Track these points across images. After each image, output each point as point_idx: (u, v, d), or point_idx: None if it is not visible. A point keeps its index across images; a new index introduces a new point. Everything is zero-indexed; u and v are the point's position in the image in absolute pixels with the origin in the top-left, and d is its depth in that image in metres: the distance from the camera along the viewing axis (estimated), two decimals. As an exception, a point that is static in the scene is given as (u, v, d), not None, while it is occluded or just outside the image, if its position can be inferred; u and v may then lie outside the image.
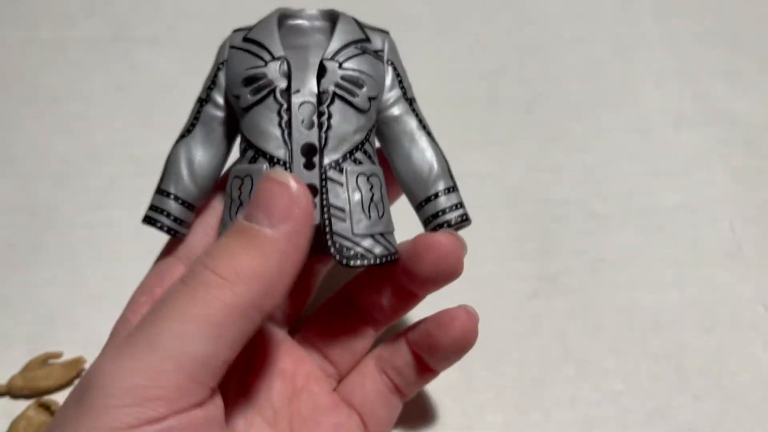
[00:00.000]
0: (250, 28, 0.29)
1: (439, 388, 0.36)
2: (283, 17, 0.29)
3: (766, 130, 0.45)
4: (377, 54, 0.28)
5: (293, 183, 0.23)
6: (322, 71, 0.26)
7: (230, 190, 0.27)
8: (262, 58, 0.27)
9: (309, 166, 0.26)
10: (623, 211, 0.42)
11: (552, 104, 0.47)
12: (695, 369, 0.36)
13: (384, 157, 0.30)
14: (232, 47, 0.28)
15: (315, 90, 0.26)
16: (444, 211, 0.28)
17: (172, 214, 0.27)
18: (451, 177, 0.29)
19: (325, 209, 0.26)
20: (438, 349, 0.29)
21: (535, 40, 0.51)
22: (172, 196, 0.27)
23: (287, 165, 0.26)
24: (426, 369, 0.30)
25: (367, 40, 0.28)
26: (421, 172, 0.28)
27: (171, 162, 0.28)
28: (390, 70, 0.29)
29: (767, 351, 0.37)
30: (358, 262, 0.26)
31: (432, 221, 0.28)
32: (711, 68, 0.49)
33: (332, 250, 0.26)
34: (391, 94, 0.28)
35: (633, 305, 0.39)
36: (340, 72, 0.27)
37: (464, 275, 0.40)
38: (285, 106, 0.26)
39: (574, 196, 0.43)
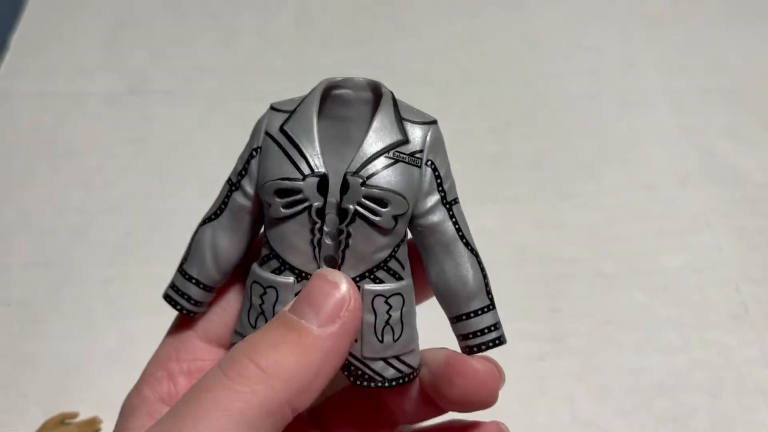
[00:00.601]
0: (289, 112, 0.26)
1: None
2: (329, 88, 0.27)
3: (771, 189, 0.46)
4: (414, 157, 0.26)
5: (345, 284, 0.23)
6: (344, 186, 0.25)
7: (250, 295, 0.27)
8: (299, 169, 0.25)
9: None
10: (629, 272, 0.43)
11: (559, 161, 0.48)
12: (702, 433, 0.37)
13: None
14: (268, 134, 0.26)
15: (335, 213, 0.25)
16: (478, 333, 0.27)
17: (192, 298, 0.28)
18: (488, 294, 0.27)
19: None
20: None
21: (542, 96, 0.52)
22: (194, 281, 0.28)
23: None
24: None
25: (404, 141, 0.26)
26: (455, 288, 0.27)
27: (196, 245, 0.28)
28: (428, 173, 0.27)
29: (773, 415, 0.37)
30: (365, 384, 0.25)
31: (465, 340, 0.27)
32: (716, 126, 0.50)
33: (341, 368, 0.25)
34: (428, 200, 0.26)
35: (639, 368, 0.39)
36: (364, 190, 0.25)
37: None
38: (319, 224, 0.25)
39: (582, 255, 0.44)
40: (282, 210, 0.25)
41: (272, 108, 0.27)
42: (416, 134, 0.27)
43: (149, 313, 0.40)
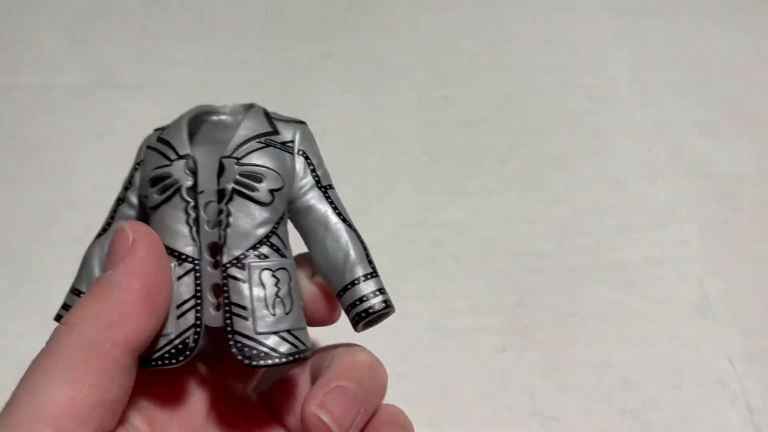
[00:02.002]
0: (164, 128, 0.29)
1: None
2: (206, 113, 0.29)
3: (738, 182, 0.46)
4: (285, 145, 0.28)
5: (128, 228, 0.25)
6: (221, 170, 0.27)
7: None
8: (167, 157, 0.27)
9: (216, 265, 0.26)
10: (596, 265, 0.43)
11: (529, 155, 0.48)
12: (662, 426, 0.37)
13: None
14: (148, 147, 0.29)
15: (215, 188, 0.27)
16: (366, 297, 0.27)
17: None
18: (370, 263, 0.28)
19: (227, 309, 0.26)
20: None
21: (511, 89, 0.52)
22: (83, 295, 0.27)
23: (196, 263, 0.26)
24: None
25: (275, 132, 0.28)
26: (336, 260, 0.28)
27: (85, 261, 0.29)
28: (300, 160, 0.28)
29: (734, 407, 0.37)
30: (261, 362, 0.25)
31: (354, 308, 0.27)
32: (685, 119, 0.50)
33: (234, 350, 0.25)
34: (303, 183, 0.28)
35: (602, 361, 0.39)
36: (238, 168, 0.27)
37: (438, 327, 0.40)
38: (192, 203, 0.26)
39: (550, 250, 0.44)
40: (156, 197, 0.27)
41: (155, 129, 0.30)
42: (286, 129, 0.29)
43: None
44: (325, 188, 0.29)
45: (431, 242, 0.44)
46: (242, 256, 0.26)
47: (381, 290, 0.28)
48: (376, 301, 0.28)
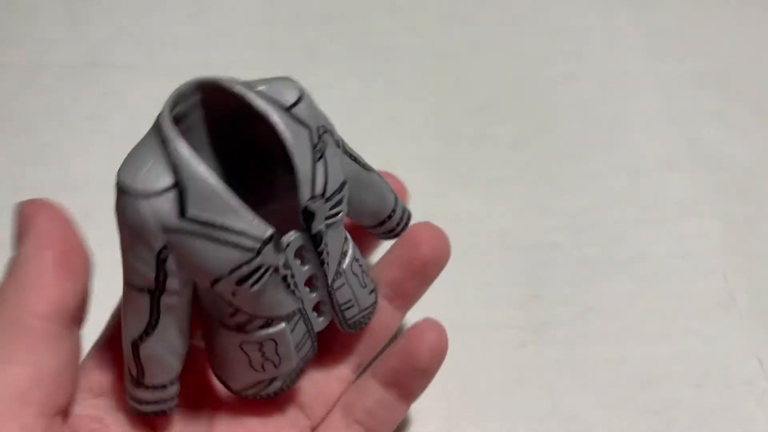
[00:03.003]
0: (170, 188, 0.21)
1: (421, 444, 0.34)
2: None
3: (758, 175, 0.45)
4: (321, 139, 0.25)
5: (24, 206, 0.24)
6: (309, 215, 0.24)
7: (238, 354, 0.26)
8: (245, 247, 0.22)
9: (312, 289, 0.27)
10: (613, 258, 0.41)
11: (540, 144, 0.46)
12: (686, 426, 0.35)
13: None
14: (169, 230, 0.22)
15: (301, 242, 0.25)
16: (399, 223, 0.31)
17: (172, 396, 0.26)
18: (392, 192, 0.30)
19: (335, 310, 0.27)
20: (412, 372, 0.29)
21: (523, 76, 0.50)
22: (166, 384, 0.25)
23: (303, 312, 0.26)
24: (401, 398, 0.30)
25: (308, 128, 0.24)
26: (378, 206, 0.30)
27: (149, 360, 0.24)
28: (327, 137, 0.25)
29: (761, 407, 0.36)
30: (366, 322, 0.29)
31: (390, 233, 0.31)
32: (703, 111, 0.48)
33: (346, 329, 0.28)
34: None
35: (622, 358, 0.37)
36: (328, 203, 0.25)
37: (450, 320, 0.38)
38: (290, 272, 0.25)
39: (564, 241, 0.42)
40: (252, 289, 0.23)
41: (138, 195, 0.22)
42: (303, 114, 0.25)
43: (109, 297, 0.38)
44: (344, 147, 0.28)
45: (442, 232, 0.42)
46: (339, 269, 0.27)
47: (405, 207, 0.32)
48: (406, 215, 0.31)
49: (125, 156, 0.24)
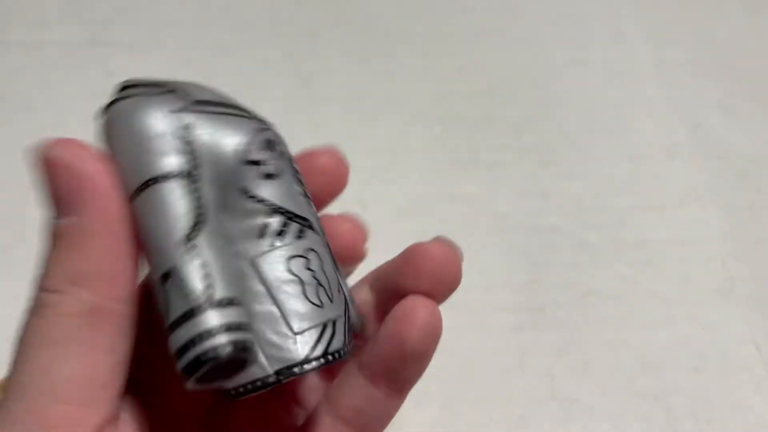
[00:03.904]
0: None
1: (421, 425, 0.34)
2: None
3: (759, 163, 0.45)
4: None
5: (71, 157, 0.20)
6: None
7: (291, 276, 0.21)
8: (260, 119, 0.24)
9: None
10: (613, 243, 0.41)
11: (543, 128, 0.46)
12: (684, 411, 0.35)
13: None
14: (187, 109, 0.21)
15: None
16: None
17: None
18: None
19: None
20: (403, 359, 0.23)
21: (526, 61, 0.50)
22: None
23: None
24: (393, 392, 0.24)
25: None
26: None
27: (218, 259, 0.20)
28: None
29: (758, 393, 0.36)
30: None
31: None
32: (705, 99, 0.48)
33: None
34: None
35: (621, 342, 0.37)
36: None
37: (448, 303, 0.38)
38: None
39: (564, 225, 0.42)
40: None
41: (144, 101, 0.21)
42: None
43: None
44: None
45: (442, 215, 0.42)
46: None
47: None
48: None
49: None
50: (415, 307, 0.24)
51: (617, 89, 0.49)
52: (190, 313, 0.18)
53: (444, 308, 0.40)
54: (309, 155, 0.26)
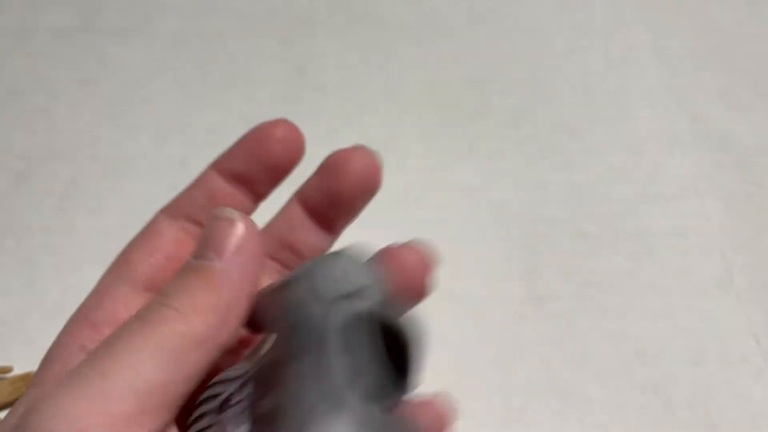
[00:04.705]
0: None
1: (417, 417, 0.34)
2: None
3: (760, 154, 0.44)
4: None
5: (241, 220, 0.23)
6: None
7: None
8: None
9: None
10: (612, 234, 0.41)
11: (541, 117, 0.46)
12: (683, 402, 0.35)
13: None
14: None
15: None
16: None
17: None
18: None
19: None
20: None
21: (524, 49, 0.49)
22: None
23: None
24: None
25: None
26: None
27: None
28: None
29: (758, 385, 0.36)
30: None
31: None
32: (705, 89, 0.47)
33: None
34: None
35: (620, 333, 0.37)
36: None
37: (448, 293, 0.38)
38: None
39: (563, 215, 0.41)
40: None
41: None
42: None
43: (98, 264, 0.37)
44: None
45: (439, 204, 0.41)
46: None
47: None
48: None
49: None
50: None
51: (617, 78, 0.48)
52: None
53: (442, 298, 0.39)
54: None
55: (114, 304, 0.25)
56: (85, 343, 0.24)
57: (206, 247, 0.23)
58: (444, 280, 0.38)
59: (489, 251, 0.40)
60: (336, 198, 0.27)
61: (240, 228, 0.23)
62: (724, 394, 0.35)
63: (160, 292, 0.23)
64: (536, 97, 0.47)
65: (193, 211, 0.28)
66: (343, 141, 0.36)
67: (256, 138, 0.27)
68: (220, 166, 0.29)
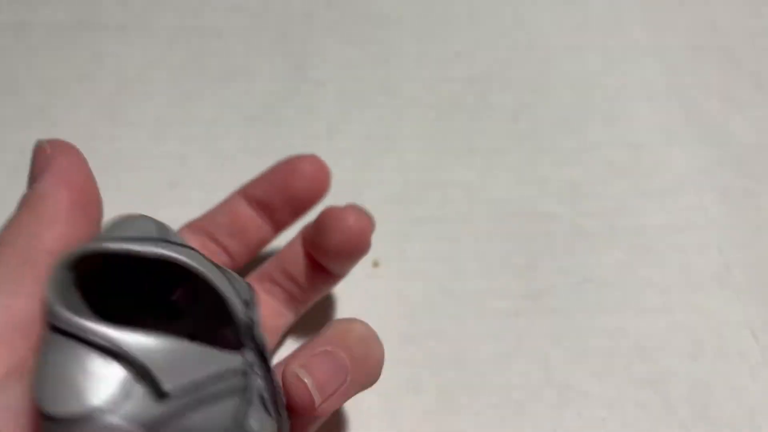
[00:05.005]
0: (143, 376, 0.18)
1: (415, 412, 0.34)
2: None
3: (758, 150, 0.44)
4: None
5: (46, 143, 0.25)
6: (249, 328, 0.23)
7: None
8: (236, 389, 0.22)
9: None
10: (610, 230, 0.41)
11: (540, 114, 0.46)
12: (681, 397, 0.35)
13: None
14: (159, 424, 0.19)
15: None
16: None
17: None
18: None
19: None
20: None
21: (523, 46, 0.49)
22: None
23: None
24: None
25: (187, 245, 0.23)
26: None
27: None
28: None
29: (756, 380, 0.36)
30: None
31: None
32: (703, 84, 0.48)
33: None
34: None
35: (618, 329, 0.37)
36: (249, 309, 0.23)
37: (444, 289, 0.38)
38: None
39: (561, 211, 0.41)
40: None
41: (100, 412, 0.17)
42: (176, 237, 0.23)
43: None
44: None
45: (438, 201, 0.41)
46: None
47: None
48: None
49: (37, 381, 0.18)
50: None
51: (615, 74, 0.48)
52: None
53: (439, 294, 0.39)
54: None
55: None
56: None
57: (29, 179, 0.25)
58: (441, 275, 0.39)
59: (486, 248, 0.40)
60: (324, 253, 0.29)
61: (45, 148, 0.25)
62: (722, 389, 0.35)
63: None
64: (534, 94, 0.47)
65: (215, 230, 0.30)
66: (342, 137, 0.36)
67: (285, 170, 0.29)
68: (247, 191, 0.30)
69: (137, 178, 0.41)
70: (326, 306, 0.36)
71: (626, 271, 0.39)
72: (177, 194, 0.40)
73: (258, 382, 0.21)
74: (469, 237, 0.40)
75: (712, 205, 0.42)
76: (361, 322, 0.26)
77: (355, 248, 0.28)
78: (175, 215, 0.33)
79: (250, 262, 0.33)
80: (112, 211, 0.42)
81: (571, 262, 0.39)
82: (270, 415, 0.21)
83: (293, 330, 0.35)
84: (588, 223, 0.41)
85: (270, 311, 0.30)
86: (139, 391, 0.17)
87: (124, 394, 0.17)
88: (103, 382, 0.17)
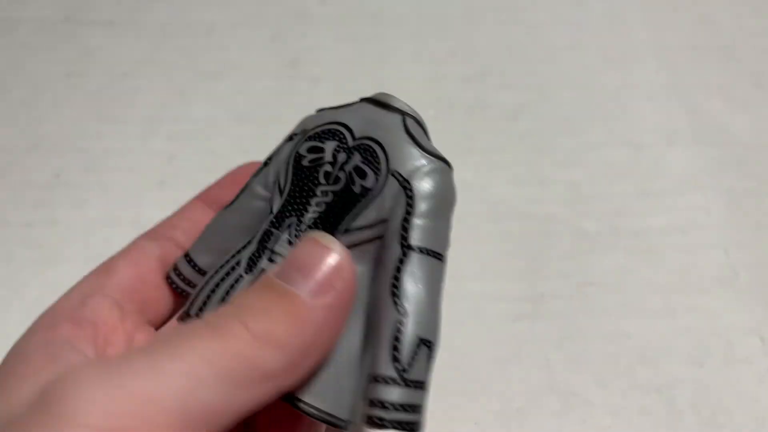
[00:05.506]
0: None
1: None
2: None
3: (761, 149, 0.44)
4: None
5: (339, 250, 0.20)
6: None
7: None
8: None
9: None
10: (612, 231, 0.40)
11: (539, 114, 0.45)
12: (686, 404, 0.34)
13: None
14: None
15: None
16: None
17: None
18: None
19: None
20: None
21: (522, 44, 0.48)
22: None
23: None
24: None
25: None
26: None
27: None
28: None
29: (762, 386, 0.35)
30: None
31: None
32: (705, 84, 0.47)
33: None
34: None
35: (621, 333, 0.36)
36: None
37: (444, 292, 0.37)
38: None
39: (561, 213, 0.40)
40: None
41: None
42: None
43: (80, 260, 0.36)
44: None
45: (436, 202, 0.40)
46: None
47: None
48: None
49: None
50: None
51: (615, 74, 0.47)
52: (422, 386, 0.21)
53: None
54: (251, 166, 0.28)
55: (99, 304, 0.23)
56: (71, 338, 0.22)
57: (293, 267, 0.20)
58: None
59: (487, 250, 0.38)
60: None
61: (334, 258, 0.20)
62: (729, 394, 0.34)
63: (239, 304, 0.20)
64: (534, 93, 0.46)
65: (175, 235, 0.28)
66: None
67: (246, 173, 0.27)
68: (206, 196, 0.29)
69: (124, 176, 0.40)
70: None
71: (629, 273, 0.38)
72: (166, 194, 0.39)
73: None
74: (468, 239, 0.39)
75: (715, 205, 0.41)
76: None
77: None
78: (164, 215, 0.32)
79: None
80: (97, 207, 0.41)
81: (572, 265, 0.38)
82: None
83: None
84: (589, 225, 0.40)
85: None
86: None
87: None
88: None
